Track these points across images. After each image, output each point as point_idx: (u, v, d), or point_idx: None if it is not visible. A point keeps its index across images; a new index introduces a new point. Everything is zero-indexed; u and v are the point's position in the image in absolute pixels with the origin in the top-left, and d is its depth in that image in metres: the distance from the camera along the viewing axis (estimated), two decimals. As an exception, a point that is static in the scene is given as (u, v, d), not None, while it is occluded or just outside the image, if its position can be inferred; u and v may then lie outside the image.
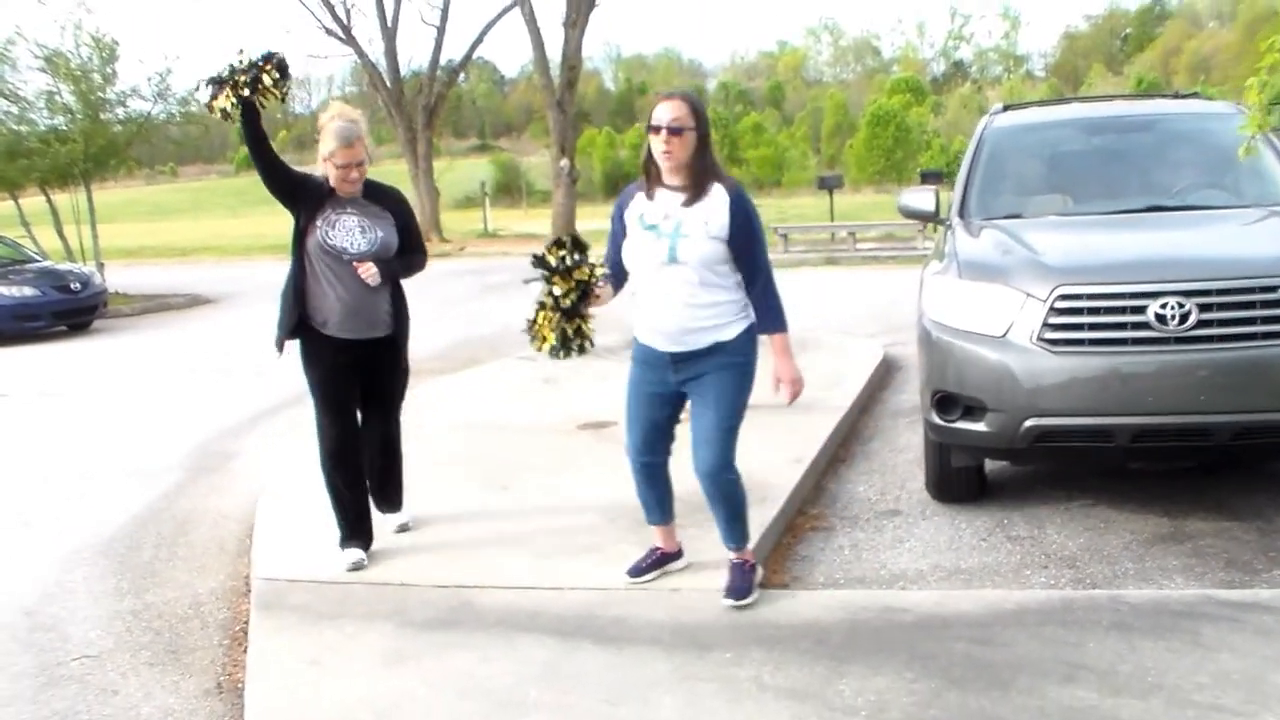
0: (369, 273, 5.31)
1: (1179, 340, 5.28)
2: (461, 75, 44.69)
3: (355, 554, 5.46)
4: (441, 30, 35.87)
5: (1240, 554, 5.33)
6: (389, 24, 35.54)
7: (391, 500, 5.90)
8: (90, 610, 5.41)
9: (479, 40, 36.84)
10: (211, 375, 12.50)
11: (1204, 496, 6.09)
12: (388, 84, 35.76)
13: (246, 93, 5.10)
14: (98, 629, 5.17)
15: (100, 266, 22.12)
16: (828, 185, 30.63)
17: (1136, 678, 3.87)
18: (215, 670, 4.69)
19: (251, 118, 5.20)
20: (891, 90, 78.85)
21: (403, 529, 5.83)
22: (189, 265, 32.14)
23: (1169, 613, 4.39)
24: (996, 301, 5.54)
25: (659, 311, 4.58)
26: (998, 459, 6.04)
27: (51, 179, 22.74)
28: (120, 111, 23.88)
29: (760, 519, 5.68)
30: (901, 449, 7.45)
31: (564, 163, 33.22)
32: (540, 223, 37.44)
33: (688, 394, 4.69)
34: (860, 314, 14.73)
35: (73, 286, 17.99)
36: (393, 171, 36.65)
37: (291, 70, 5.24)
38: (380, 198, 5.53)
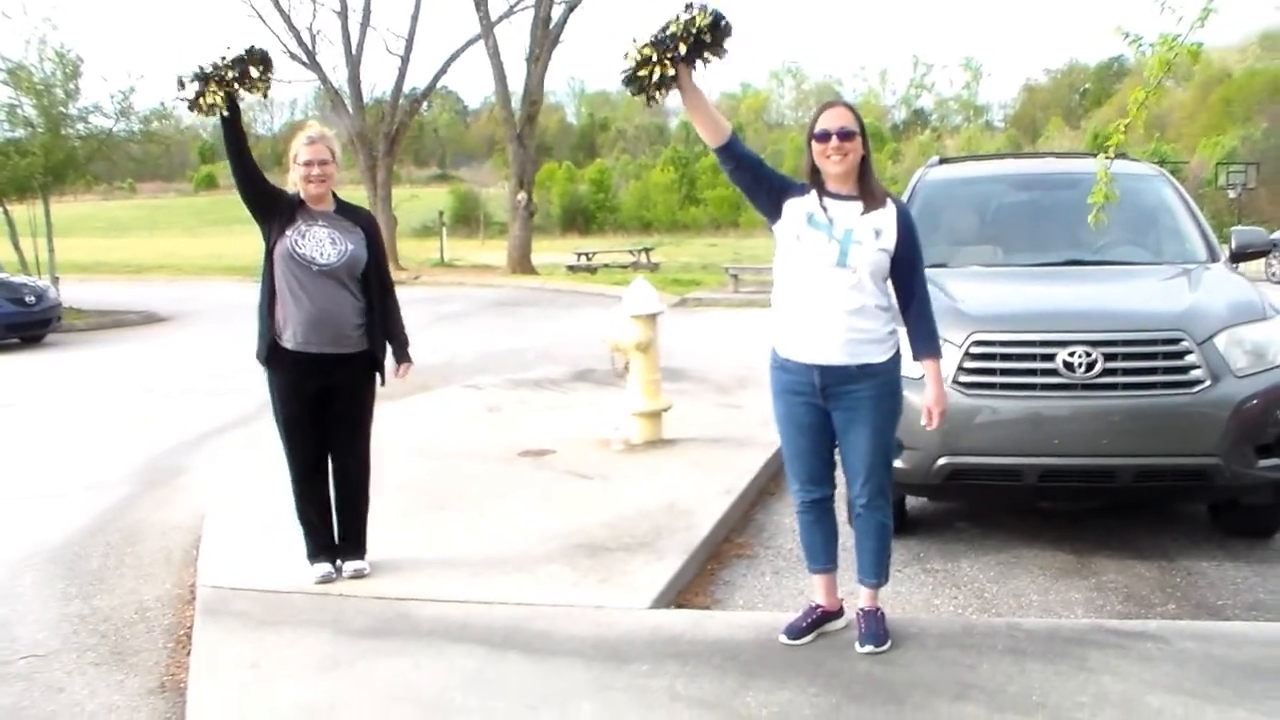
0: (403, 373, 5.74)
1: (1085, 387, 5.62)
2: (425, 104, 44.87)
3: (324, 568, 5.58)
4: (405, 60, 36.12)
5: (1140, 589, 5.66)
6: (353, 52, 35.77)
7: (353, 547, 5.70)
8: (39, 613, 5.61)
9: (442, 71, 37.05)
10: (163, 393, 12.61)
11: (1112, 535, 6.43)
12: (350, 110, 35.91)
13: (235, 88, 5.13)
14: (45, 630, 5.36)
15: (55, 280, 22.17)
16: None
17: (1022, 697, 4.16)
18: (159, 671, 4.90)
19: (234, 117, 5.24)
20: (851, 135, 79.43)
21: (358, 575, 5.60)
22: (144, 283, 31.95)
23: (1060, 639, 4.67)
24: None
25: (815, 319, 4.45)
26: (914, 495, 6.36)
27: (9, 190, 22.81)
28: (81, 127, 24.06)
29: (686, 544, 5.96)
30: (830, 484, 7.70)
31: (521, 196, 33.54)
32: (496, 254, 37.65)
33: (835, 420, 4.58)
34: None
35: (27, 299, 18.05)
36: (352, 197, 36.60)
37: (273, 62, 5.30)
38: (351, 214, 5.60)
